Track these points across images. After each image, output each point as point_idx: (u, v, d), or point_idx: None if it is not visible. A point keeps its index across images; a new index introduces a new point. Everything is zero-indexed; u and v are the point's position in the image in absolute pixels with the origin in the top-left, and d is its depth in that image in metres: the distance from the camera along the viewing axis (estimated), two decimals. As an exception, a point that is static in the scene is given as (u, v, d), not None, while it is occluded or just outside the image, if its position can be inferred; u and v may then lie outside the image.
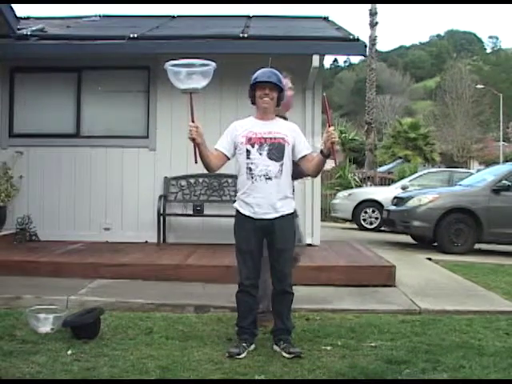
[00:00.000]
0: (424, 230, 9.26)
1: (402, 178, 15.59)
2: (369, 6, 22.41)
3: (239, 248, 3.82)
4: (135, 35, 7.02)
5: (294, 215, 3.89)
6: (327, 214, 14.56)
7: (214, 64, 3.60)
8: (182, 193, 7.61)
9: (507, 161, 26.87)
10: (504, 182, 9.27)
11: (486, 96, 39.53)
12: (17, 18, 7.15)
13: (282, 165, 3.74)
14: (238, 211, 3.83)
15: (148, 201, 7.49)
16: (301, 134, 3.92)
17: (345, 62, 78.28)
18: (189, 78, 3.55)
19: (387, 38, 67.72)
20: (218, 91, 7.13)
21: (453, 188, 10.78)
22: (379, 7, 23.84)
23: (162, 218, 7.33)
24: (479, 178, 10.16)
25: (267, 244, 3.82)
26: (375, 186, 16.81)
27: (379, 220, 12.74)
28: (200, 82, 3.57)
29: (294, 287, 3.87)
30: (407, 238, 10.46)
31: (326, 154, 3.66)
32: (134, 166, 7.63)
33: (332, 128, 3.59)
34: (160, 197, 7.40)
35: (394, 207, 10.43)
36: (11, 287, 5.17)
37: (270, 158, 3.73)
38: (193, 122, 3.60)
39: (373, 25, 22.15)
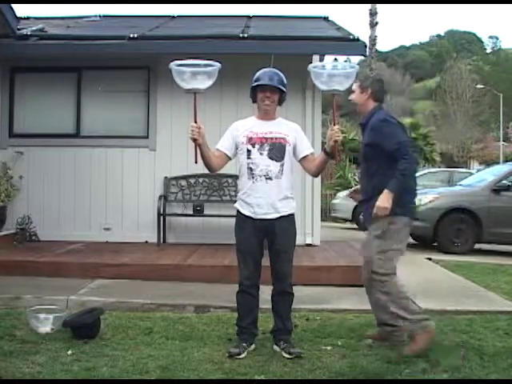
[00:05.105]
0: (424, 229, 9.24)
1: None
2: (369, 6, 22.42)
3: (239, 248, 3.81)
4: (135, 35, 7.01)
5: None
6: (327, 214, 14.55)
7: (218, 65, 3.58)
8: (182, 193, 7.61)
9: (507, 161, 26.82)
10: (504, 181, 9.27)
11: (486, 96, 39.50)
12: (17, 17, 7.14)
13: (282, 165, 3.74)
14: (238, 211, 3.83)
15: (148, 201, 7.49)
16: (302, 134, 3.92)
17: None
18: (193, 78, 3.53)
19: (387, 38, 67.69)
20: (218, 91, 7.11)
21: (453, 188, 10.79)
22: (379, 7, 23.78)
23: (162, 218, 7.33)
24: (479, 178, 10.17)
25: (267, 244, 3.81)
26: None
27: (379, 220, 12.70)
28: (204, 83, 3.56)
29: (294, 287, 3.87)
30: (407, 238, 10.43)
31: (328, 152, 3.66)
32: (134, 166, 7.63)
33: (337, 127, 3.58)
34: (160, 197, 7.40)
35: (394, 207, 10.40)
36: (11, 287, 5.17)
37: (271, 158, 3.72)
38: (195, 122, 3.59)
39: (373, 25, 22.15)
